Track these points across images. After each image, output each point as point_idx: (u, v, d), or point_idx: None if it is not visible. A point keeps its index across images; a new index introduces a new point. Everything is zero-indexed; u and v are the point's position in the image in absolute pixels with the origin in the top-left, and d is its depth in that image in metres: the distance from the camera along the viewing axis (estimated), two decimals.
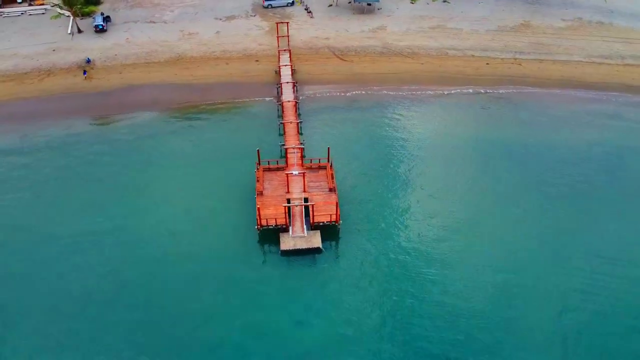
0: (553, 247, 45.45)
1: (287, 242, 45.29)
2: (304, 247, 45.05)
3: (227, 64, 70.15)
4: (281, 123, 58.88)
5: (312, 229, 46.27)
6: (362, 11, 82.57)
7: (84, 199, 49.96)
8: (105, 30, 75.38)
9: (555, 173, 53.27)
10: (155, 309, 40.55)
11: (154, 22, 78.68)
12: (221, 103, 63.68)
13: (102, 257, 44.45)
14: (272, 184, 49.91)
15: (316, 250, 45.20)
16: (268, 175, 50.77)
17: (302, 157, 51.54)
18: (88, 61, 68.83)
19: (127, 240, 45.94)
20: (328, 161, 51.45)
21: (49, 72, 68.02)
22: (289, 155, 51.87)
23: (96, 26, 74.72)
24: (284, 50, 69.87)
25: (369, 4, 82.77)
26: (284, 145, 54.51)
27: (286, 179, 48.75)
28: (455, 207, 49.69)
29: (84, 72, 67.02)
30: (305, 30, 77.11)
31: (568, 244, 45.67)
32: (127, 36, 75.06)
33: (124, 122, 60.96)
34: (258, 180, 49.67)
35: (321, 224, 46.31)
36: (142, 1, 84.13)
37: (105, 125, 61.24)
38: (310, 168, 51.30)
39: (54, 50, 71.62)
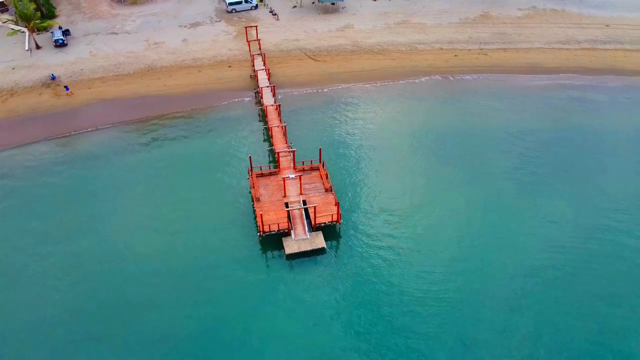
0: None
1: (292, 246, 45.14)
2: (308, 249, 45.06)
3: (199, 71, 68.98)
4: (266, 127, 58.64)
5: (313, 231, 46.39)
6: (327, 11, 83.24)
7: (79, 218, 48.13)
8: (66, 45, 72.51)
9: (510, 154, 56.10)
10: (166, 329, 39.52)
11: (116, 34, 76.35)
12: (199, 112, 62.39)
13: (103, 274, 42.92)
14: (267, 189, 49.62)
15: (320, 251, 45.35)
16: (262, 180, 50.43)
17: (295, 160, 51.47)
18: (53, 78, 65.97)
19: (127, 258, 44.53)
20: (320, 162, 51.70)
21: (12, 91, 64.67)
22: (281, 159, 51.68)
23: (56, 41, 71.72)
24: (258, 54, 69.44)
25: (332, 3, 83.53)
26: (273, 149, 54.30)
27: (283, 183, 48.60)
28: (437, 191, 51.16)
29: (66, 88, 64.18)
30: (273, 33, 76.90)
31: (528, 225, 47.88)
32: (90, 49, 72.46)
33: (104, 137, 58.72)
34: (253, 187, 49.28)
35: (322, 224, 46.50)
36: (100, 12, 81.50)
37: (84, 142, 58.53)
38: (303, 170, 51.37)
39: (13, 68, 68.21)
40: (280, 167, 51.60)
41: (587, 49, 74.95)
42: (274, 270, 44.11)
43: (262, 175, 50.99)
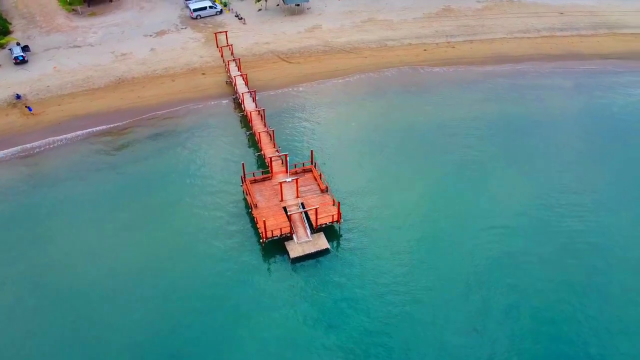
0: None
1: (296, 249, 45.17)
2: (312, 251, 45.23)
3: (173, 80, 67.58)
4: (250, 133, 58.24)
5: (314, 232, 46.59)
6: (293, 12, 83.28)
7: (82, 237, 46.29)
8: (27, 61, 69.30)
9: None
10: (177, 343, 38.77)
11: (79, 47, 73.62)
12: (178, 122, 61.16)
13: (104, 290, 41.54)
14: (263, 195, 49.38)
15: (324, 252, 45.62)
16: (256, 186, 50.13)
17: (287, 163, 51.42)
18: (18, 97, 62.95)
19: (130, 272, 43.36)
20: (312, 163, 51.89)
21: None
22: (273, 164, 51.49)
23: (16, 58, 68.44)
24: (232, 60, 68.74)
25: (297, 5, 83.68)
26: (262, 154, 54.05)
27: (280, 188, 48.49)
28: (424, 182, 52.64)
29: (29, 108, 61.26)
30: (242, 37, 76.26)
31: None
32: (53, 64, 69.57)
33: (86, 152, 56.70)
34: (248, 194, 48.91)
35: (324, 225, 46.78)
36: (58, 25, 78.37)
37: (72, 159, 56.19)
38: (296, 173, 51.42)
39: None
40: (273, 171, 51.43)
41: (547, 36, 78.49)
42: (282, 276, 44.00)
43: (255, 181, 50.68)
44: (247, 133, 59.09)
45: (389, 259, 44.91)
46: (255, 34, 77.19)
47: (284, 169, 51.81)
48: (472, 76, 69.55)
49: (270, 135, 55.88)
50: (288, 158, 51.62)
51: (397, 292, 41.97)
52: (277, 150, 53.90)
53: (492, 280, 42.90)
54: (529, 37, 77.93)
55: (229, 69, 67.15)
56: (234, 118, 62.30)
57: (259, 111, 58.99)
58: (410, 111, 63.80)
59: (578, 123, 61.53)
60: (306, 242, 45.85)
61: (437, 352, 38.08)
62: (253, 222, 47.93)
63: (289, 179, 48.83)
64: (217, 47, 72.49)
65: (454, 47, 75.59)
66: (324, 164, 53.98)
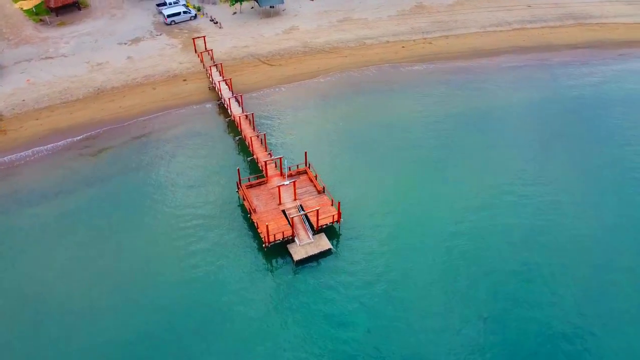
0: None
1: (299, 252, 45.20)
2: (315, 253, 45.35)
3: (153, 89, 66.39)
4: (240, 138, 57.85)
5: (315, 233, 46.74)
6: (268, 15, 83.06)
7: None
8: None
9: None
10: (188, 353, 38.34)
11: (51, 58, 71.43)
12: (164, 130, 60.18)
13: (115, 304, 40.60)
14: (260, 199, 49.19)
15: (327, 252, 45.83)
16: (253, 191, 49.90)
17: (282, 166, 51.37)
18: None
19: (136, 285, 42.50)
20: (306, 165, 51.99)
21: None
22: (268, 168, 51.32)
23: None
24: (213, 65, 68.02)
25: (272, 7, 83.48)
26: (255, 158, 53.80)
27: (278, 191, 48.40)
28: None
29: None
30: (220, 41, 75.59)
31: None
32: (26, 78, 67.27)
33: (69, 165, 55.08)
34: (245, 199, 48.63)
35: (325, 226, 46.98)
36: (26, 37, 75.80)
37: (55, 173, 54.40)
38: (291, 175, 51.42)
39: None
40: (268, 175, 51.26)
41: (518, 29, 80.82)
42: (288, 279, 43.91)
43: (251, 186, 50.42)
44: (236, 138, 58.68)
45: (391, 254, 45.48)
46: (233, 38, 76.61)
47: (278, 172, 51.73)
48: (451, 71, 70.98)
49: (261, 139, 55.64)
50: (282, 161, 51.60)
51: (402, 287, 42.64)
52: (269, 154, 53.73)
53: (498, 271, 44.06)
54: (501, 31, 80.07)
55: (211, 75, 66.42)
56: (220, 124, 61.70)
57: (246, 115, 58.63)
58: (394, 108, 64.55)
59: (557, 111, 63.74)
60: (308, 243, 45.94)
61: (450, 345, 38.96)
62: (252, 227, 47.71)
63: (287, 182, 48.79)
64: (196, 52, 71.62)
65: (430, 43, 76.93)
66: (316, 163, 54.10)
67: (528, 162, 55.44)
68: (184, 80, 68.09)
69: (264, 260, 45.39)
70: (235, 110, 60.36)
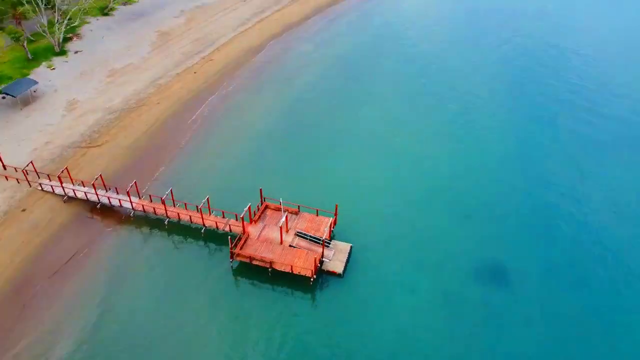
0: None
1: (337, 265, 47.10)
2: (347, 255, 48.29)
3: None
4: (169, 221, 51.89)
5: (328, 244, 49.26)
6: (26, 102, 68.72)
7: None
8: None
9: None
10: None
11: None
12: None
13: None
14: (262, 250, 47.78)
15: (351, 250, 49.20)
16: (246, 251, 47.71)
17: (250, 212, 50.22)
18: None
19: None
20: (262, 199, 52.11)
21: None
22: (243, 222, 49.14)
23: None
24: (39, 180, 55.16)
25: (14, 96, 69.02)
26: (211, 227, 50.28)
27: (279, 231, 48.18)
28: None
29: None
30: None
31: None
32: None
33: None
34: (253, 259, 46.65)
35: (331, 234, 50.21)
36: None
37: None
38: (259, 218, 51.18)
39: None
40: (245, 230, 49.34)
41: (265, 17, 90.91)
42: (367, 291, 46.30)
43: (242, 247, 47.98)
44: (166, 220, 52.25)
45: (396, 250, 49.93)
46: (11, 144, 61.15)
47: (247, 221, 50.38)
48: (257, 69, 77.71)
49: (198, 207, 51.55)
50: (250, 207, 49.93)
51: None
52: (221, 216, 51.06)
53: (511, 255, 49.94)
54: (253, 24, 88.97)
55: (53, 189, 54.21)
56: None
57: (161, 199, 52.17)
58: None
59: None
60: (334, 253, 48.46)
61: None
62: (276, 278, 46.88)
63: (283, 218, 48.78)
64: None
65: (212, 60, 79.66)
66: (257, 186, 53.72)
67: None
68: (23, 210, 53.43)
69: (316, 294, 46.07)
70: (137, 202, 52.92)
